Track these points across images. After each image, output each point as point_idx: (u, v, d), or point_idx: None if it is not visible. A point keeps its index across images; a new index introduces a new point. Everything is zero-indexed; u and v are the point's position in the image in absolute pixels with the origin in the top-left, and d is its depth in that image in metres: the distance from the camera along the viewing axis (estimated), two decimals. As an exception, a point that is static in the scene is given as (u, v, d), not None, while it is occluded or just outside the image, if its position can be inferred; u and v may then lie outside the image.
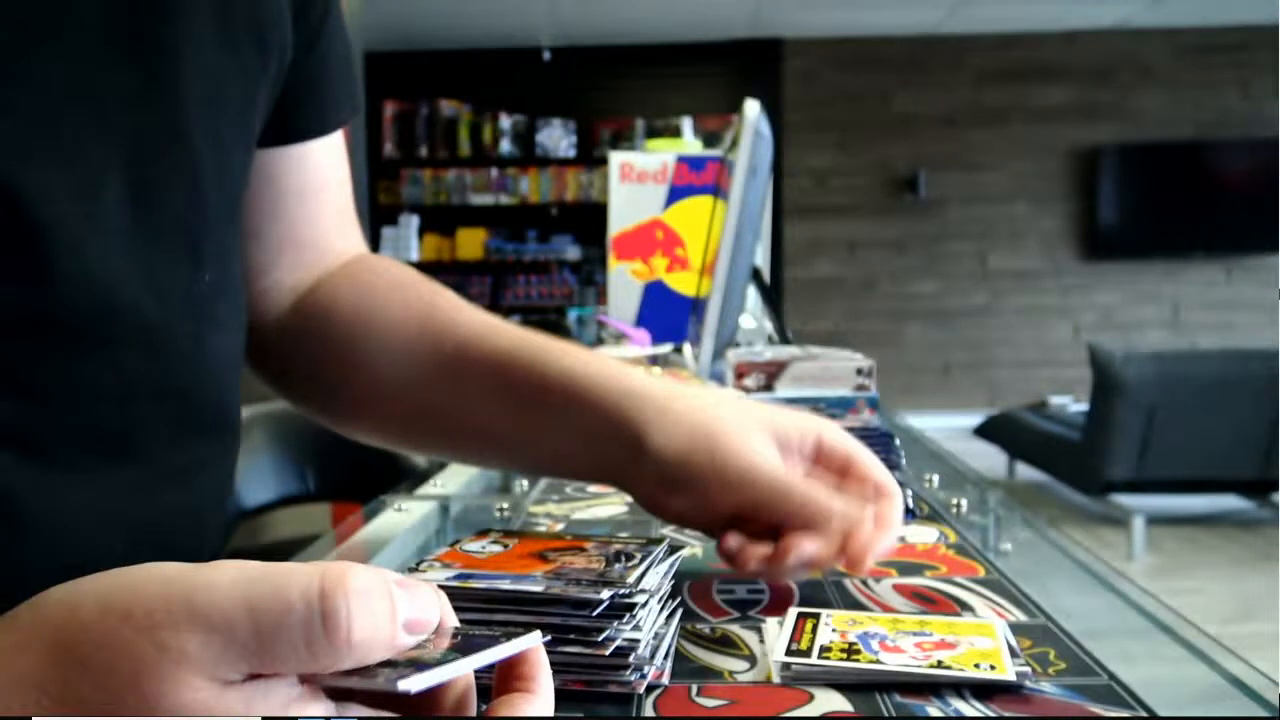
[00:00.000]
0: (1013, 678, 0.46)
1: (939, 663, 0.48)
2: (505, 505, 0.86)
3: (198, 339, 0.53)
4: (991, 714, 0.45)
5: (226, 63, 0.52)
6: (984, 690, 0.46)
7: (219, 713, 0.30)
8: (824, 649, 0.49)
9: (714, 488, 0.56)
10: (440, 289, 0.67)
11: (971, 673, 0.47)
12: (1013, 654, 0.49)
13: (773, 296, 2.07)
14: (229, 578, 0.31)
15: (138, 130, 0.48)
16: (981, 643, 0.50)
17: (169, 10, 0.49)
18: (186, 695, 0.30)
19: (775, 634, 0.53)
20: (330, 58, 0.64)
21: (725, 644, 0.54)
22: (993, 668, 0.47)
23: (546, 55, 6.84)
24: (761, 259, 1.97)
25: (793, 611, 0.55)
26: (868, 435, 0.80)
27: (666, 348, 1.59)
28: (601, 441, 0.59)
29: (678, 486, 0.57)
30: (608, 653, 0.46)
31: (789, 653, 0.49)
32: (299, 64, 0.60)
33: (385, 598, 0.31)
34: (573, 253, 6.86)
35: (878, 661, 0.48)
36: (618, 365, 0.61)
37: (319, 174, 0.66)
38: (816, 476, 0.59)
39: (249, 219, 0.62)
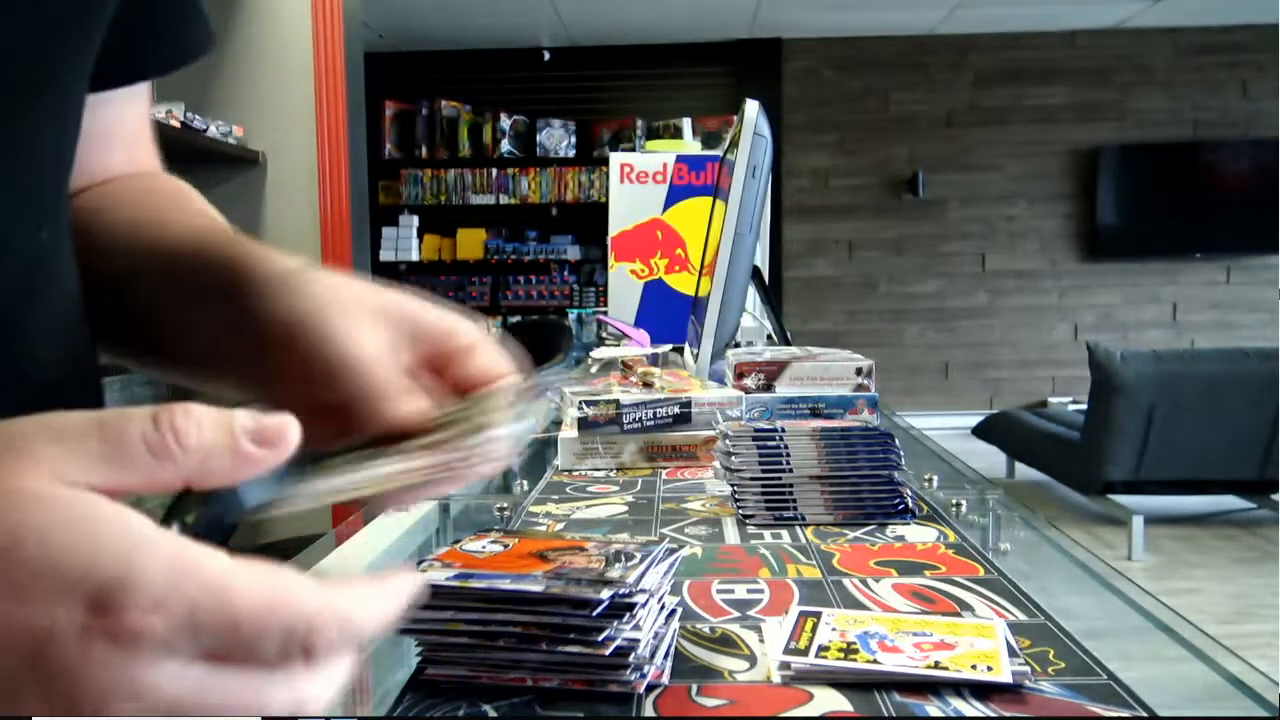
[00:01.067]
0: (1008, 679, 0.46)
1: (936, 663, 0.48)
2: (505, 505, 0.87)
3: (34, 299, 0.48)
4: (991, 714, 0.45)
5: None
6: (983, 690, 0.46)
7: (62, 504, 0.29)
8: (822, 648, 0.49)
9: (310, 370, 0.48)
10: (190, 194, 0.61)
11: (967, 673, 0.47)
12: (1012, 654, 0.49)
13: (772, 296, 2.07)
14: (84, 413, 0.32)
15: None
16: (981, 643, 0.50)
17: None
18: (34, 484, 0.30)
19: (775, 633, 0.53)
20: None
21: (725, 644, 0.54)
22: (990, 668, 0.47)
23: (546, 55, 6.84)
24: (761, 259, 1.97)
25: (795, 610, 0.55)
26: (867, 435, 0.80)
27: (666, 348, 1.59)
28: (224, 304, 0.51)
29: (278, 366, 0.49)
30: (608, 653, 0.46)
31: (787, 651, 0.49)
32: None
33: (220, 413, 0.33)
34: (573, 253, 6.86)
35: (875, 661, 0.48)
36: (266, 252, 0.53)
37: (117, 111, 0.60)
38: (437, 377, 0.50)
39: None
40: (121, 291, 0.56)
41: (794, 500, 0.80)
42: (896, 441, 0.80)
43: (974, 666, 0.47)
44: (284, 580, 0.30)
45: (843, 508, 0.79)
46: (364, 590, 0.32)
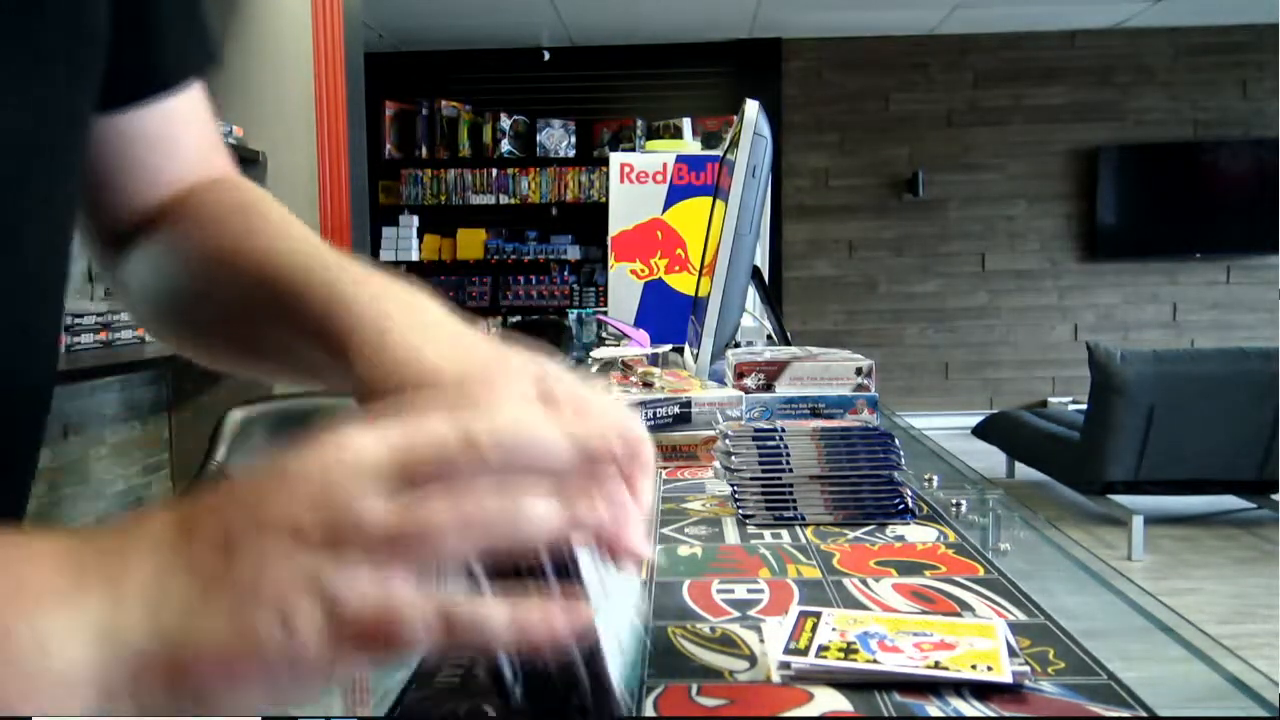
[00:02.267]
0: (1009, 679, 0.46)
1: (936, 663, 0.48)
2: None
3: None
4: (991, 714, 0.45)
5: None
6: (983, 690, 0.46)
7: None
8: (822, 648, 0.49)
9: None
10: (269, 210, 0.62)
11: (968, 673, 0.47)
12: (1012, 654, 0.49)
13: (772, 296, 2.07)
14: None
15: None
16: (981, 643, 0.50)
17: None
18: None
19: (775, 632, 0.53)
20: (162, 13, 0.61)
21: (725, 643, 0.54)
22: (990, 668, 0.47)
23: (546, 55, 6.84)
24: (761, 259, 1.97)
25: (795, 609, 0.55)
26: (867, 435, 0.80)
27: (666, 348, 1.59)
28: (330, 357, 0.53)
29: None
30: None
31: (788, 651, 0.49)
32: (126, 25, 0.57)
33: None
34: (573, 253, 6.86)
35: (874, 661, 0.48)
36: (359, 275, 0.54)
37: (171, 120, 0.64)
38: None
39: (100, 170, 0.62)
40: (223, 307, 0.60)
41: (794, 500, 0.80)
42: (897, 441, 0.80)
43: (974, 666, 0.47)
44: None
45: (843, 508, 0.79)
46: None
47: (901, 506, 0.79)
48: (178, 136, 0.65)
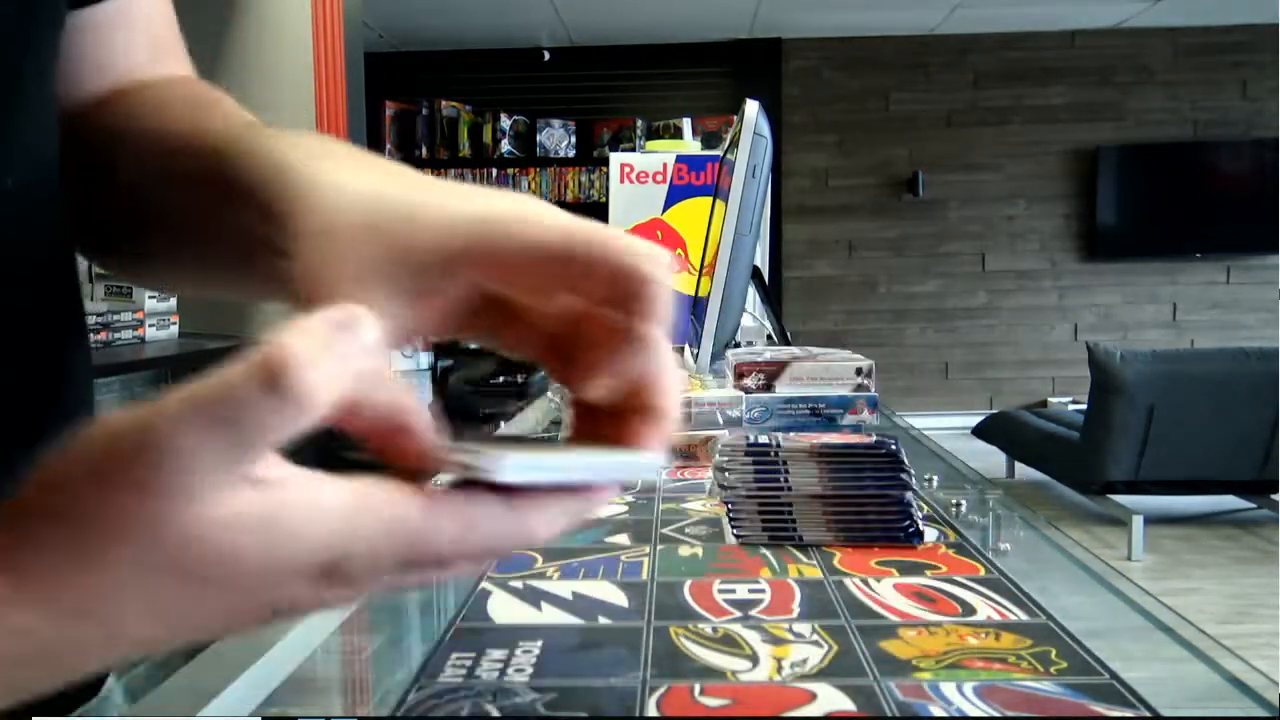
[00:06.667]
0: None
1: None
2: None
3: (5, 243, 0.46)
4: (994, 713, 0.45)
5: None
6: (984, 689, 0.46)
7: (259, 505, 0.30)
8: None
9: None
10: (221, 99, 0.55)
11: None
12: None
13: (772, 296, 2.07)
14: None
15: None
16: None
17: None
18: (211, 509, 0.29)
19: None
20: None
21: (727, 643, 0.54)
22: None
23: (546, 55, 6.84)
24: (761, 259, 1.97)
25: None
26: (874, 454, 0.75)
27: (667, 348, 1.59)
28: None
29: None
30: None
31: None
32: None
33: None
34: (573, 253, 6.85)
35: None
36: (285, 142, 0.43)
37: (126, 13, 0.57)
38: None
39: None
40: (149, 197, 0.51)
41: (794, 520, 0.76)
42: (906, 460, 0.76)
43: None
44: (471, 510, 0.33)
45: (847, 529, 0.75)
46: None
47: (912, 529, 0.75)
48: (131, 28, 0.57)
